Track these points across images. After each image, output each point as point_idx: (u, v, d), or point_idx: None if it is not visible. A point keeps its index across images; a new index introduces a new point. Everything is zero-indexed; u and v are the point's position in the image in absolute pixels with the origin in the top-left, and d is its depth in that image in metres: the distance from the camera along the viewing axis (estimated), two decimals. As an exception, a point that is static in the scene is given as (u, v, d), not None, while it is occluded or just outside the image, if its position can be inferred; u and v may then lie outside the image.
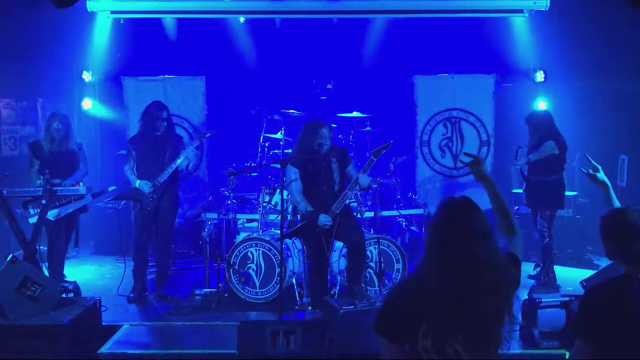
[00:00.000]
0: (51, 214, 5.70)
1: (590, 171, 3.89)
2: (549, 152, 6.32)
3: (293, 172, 5.50)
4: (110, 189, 6.16)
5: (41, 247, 5.87)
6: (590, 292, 2.93)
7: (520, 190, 7.20)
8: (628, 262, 2.79)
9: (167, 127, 6.19)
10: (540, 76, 8.16)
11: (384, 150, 5.45)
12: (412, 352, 2.41)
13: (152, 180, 6.04)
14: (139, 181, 6.07)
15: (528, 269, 7.07)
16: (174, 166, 6.07)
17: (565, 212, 7.58)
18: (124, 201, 7.16)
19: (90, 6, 7.90)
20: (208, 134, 6.51)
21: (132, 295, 6.12)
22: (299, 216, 5.70)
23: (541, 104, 8.26)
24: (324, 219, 5.38)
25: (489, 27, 8.14)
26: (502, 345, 2.45)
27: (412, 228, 7.32)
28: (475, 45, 8.16)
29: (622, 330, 2.65)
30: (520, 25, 8.13)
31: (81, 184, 5.83)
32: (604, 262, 6.63)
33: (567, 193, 7.77)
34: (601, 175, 3.94)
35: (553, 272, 6.42)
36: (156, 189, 6.06)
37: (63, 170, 5.97)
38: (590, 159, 3.98)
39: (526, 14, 7.97)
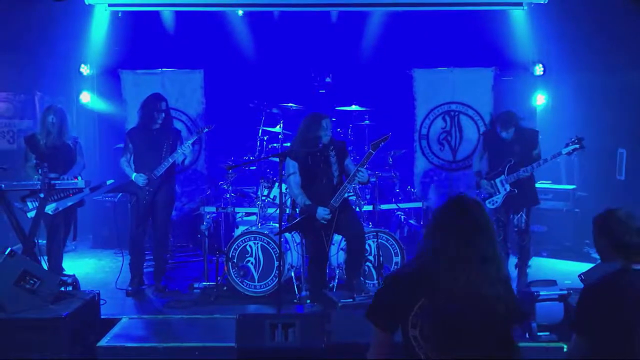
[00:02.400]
0: (49, 208, 5.70)
1: None
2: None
3: (292, 166, 5.50)
4: (108, 182, 6.16)
5: (39, 241, 5.87)
6: (588, 288, 2.96)
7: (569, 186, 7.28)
8: (622, 256, 2.87)
9: (165, 120, 6.18)
10: (539, 69, 8.15)
11: (383, 143, 5.44)
12: (403, 342, 2.47)
13: (149, 174, 6.04)
14: (134, 174, 6.07)
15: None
16: (170, 160, 6.07)
17: (564, 206, 7.59)
18: (120, 194, 7.16)
19: (87, -1, 7.89)
20: (206, 129, 6.51)
21: (130, 288, 6.12)
22: (297, 210, 5.70)
23: (540, 98, 8.26)
24: (322, 213, 5.38)
25: (488, 20, 8.13)
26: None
27: (411, 222, 7.32)
28: (475, 39, 8.15)
29: (619, 324, 2.68)
30: (519, 18, 8.11)
31: (79, 177, 5.82)
32: (602, 256, 6.63)
33: (566, 187, 7.81)
34: None
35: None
36: (152, 182, 6.06)
37: (60, 164, 5.95)
38: None
39: (525, 7, 7.95)
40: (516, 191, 6.09)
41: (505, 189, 6.14)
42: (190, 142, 6.22)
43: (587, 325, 2.77)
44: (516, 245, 6.37)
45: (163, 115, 6.15)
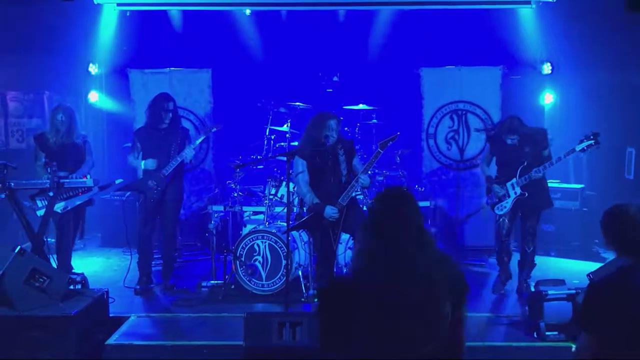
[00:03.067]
0: (58, 207, 5.73)
1: None
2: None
3: (300, 164, 5.50)
4: (117, 181, 6.19)
5: (49, 240, 5.91)
6: (594, 285, 2.95)
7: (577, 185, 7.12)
8: (632, 254, 2.82)
9: (173, 119, 6.20)
10: (547, 68, 8.12)
11: (391, 142, 5.43)
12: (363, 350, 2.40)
13: (157, 173, 6.06)
14: (144, 161, 6.08)
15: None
16: (179, 159, 6.10)
17: (572, 205, 7.56)
18: (128, 192, 7.19)
19: (96, -2, 7.92)
20: (214, 129, 6.54)
21: (138, 287, 6.16)
22: (305, 208, 5.71)
23: (548, 96, 8.23)
24: (330, 211, 5.38)
25: (496, 18, 8.10)
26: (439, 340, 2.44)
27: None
28: (482, 37, 8.12)
29: (626, 322, 2.65)
30: (527, 16, 8.08)
31: (88, 176, 5.86)
32: (610, 255, 6.60)
33: (575, 186, 7.78)
34: None
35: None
36: (161, 182, 6.08)
37: (69, 162, 5.99)
38: None
39: (533, 5, 7.93)
40: (526, 194, 5.86)
41: (515, 193, 5.91)
42: (198, 141, 6.25)
43: (594, 323, 2.74)
44: (519, 249, 6.14)
45: (171, 115, 6.17)
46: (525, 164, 5.86)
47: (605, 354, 2.72)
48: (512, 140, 5.95)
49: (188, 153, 6.12)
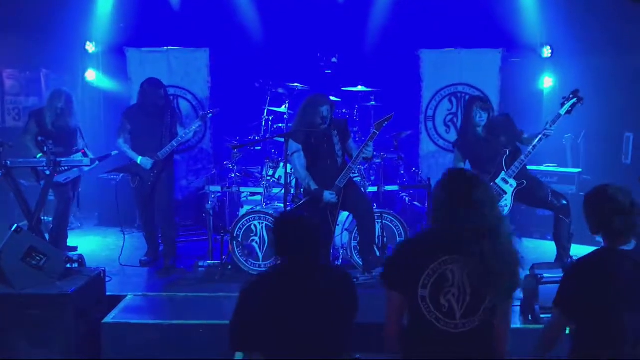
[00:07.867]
0: (60, 177, 5.93)
1: None
2: None
3: (294, 146, 5.49)
4: (113, 153, 6.24)
5: (45, 218, 5.91)
6: (572, 265, 3.00)
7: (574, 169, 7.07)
8: (609, 236, 2.88)
9: (164, 103, 6.20)
10: (547, 51, 8.09)
11: (386, 123, 5.41)
12: (410, 304, 2.58)
13: (149, 154, 6.07)
14: (140, 157, 6.08)
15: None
16: (175, 144, 6.11)
17: (569, 189, 7.56)
18: (121, 174, 7.21)
19: (93, -24, 7.85)
20: (210, 114, 6.49)
21: (145, 258, 6.31)
22: (301, 190, 5.69)
23: (547, 80, 8.20)
24: (329, 196, 5.38)
25: (496, 1, 8.04)
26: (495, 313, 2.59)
27: (415, 203, 7.32)
28: (483, 19, 8.07)
29: (601, 303, 2.71)
30: (528, -1, 8.04)
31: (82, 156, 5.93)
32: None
33: (572, 170, 7.78)
34: None
35: None
36: (157, 164, 6.09)
37: (61, 146, 6.02)
38: None
39: (535, -12, 7.88)
40: (525, 183, 5.36)
41: (511, 186, 5.39)
42: (193, 127, 6.20)
43: (568, 302, 2.79)
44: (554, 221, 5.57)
45: (163, 101, 6.16)
46: (508, 152, 5.42)
47: (576, 337, 2.79)
48: (481, 119, 5.49)
49: (183, 138, 6.15)
